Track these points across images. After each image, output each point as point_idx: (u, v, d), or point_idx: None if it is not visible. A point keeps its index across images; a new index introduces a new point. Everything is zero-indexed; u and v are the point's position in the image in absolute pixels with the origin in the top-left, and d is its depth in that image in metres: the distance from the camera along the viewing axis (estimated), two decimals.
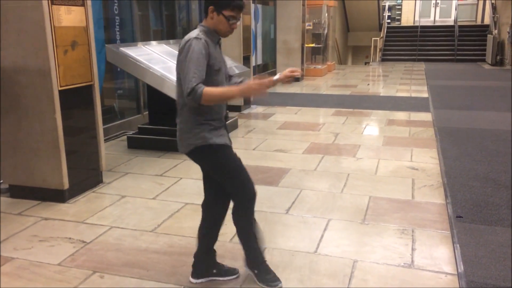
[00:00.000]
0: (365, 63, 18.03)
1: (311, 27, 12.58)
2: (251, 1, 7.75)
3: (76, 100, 3.69)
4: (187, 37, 2.18)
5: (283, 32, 11.14)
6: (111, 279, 2.54)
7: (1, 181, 3.86)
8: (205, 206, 2.49)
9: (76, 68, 3.62)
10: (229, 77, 2.46)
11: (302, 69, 11.47)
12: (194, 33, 2.19)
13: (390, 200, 3.66)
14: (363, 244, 2.94)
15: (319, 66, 12.59)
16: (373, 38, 16.74)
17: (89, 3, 3.73)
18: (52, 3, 3.34)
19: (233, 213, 2.40)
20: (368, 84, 10.38)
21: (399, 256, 2.77)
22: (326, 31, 13.22)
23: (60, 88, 3.46)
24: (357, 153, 4.98)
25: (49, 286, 2.47)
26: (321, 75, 12.28)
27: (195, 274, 2.51)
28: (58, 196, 3.62)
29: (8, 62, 3.47)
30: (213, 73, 2.19)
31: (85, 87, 3.76)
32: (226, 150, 2.31)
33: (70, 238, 3.02)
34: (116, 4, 5.95)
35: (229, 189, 2.35)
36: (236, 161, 2.33)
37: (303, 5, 11.10)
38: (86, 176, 3.89)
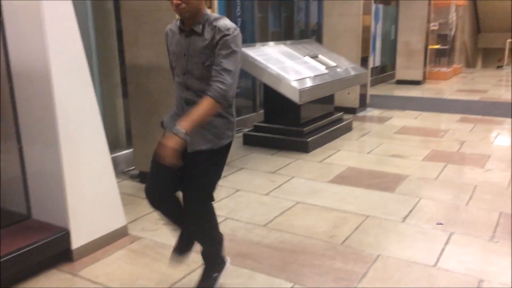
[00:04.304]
0: (497, 67, 16.31)
1: (436, 28, 11.77)
2: (372, 1, 7.49)
3: None
4: None
5: (405, 33, 10.58)
6: None
7: (133, 167, 4.27)
8: None
9: None
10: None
11: (424, 72, 10.78)
12: None
13: None
14: (491, 263, 2.65)
15: (444, 69, 11.72)
16: (507, 40, 15.07)
17: (215, 3, 3.94)
18: None
19: None
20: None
21: None
22: (453, 32, 12.27)
23: None
24: (486, 164, 4.52)
25: (172, 265, 2.65)
26: (446, 78, 11.42)
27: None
28: None
29: (144, 60, 3.82)
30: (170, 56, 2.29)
31: None
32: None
33: None
34: (238, 6, 6.21)
35: None
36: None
37: (429, 4, 10.43)
38: None
